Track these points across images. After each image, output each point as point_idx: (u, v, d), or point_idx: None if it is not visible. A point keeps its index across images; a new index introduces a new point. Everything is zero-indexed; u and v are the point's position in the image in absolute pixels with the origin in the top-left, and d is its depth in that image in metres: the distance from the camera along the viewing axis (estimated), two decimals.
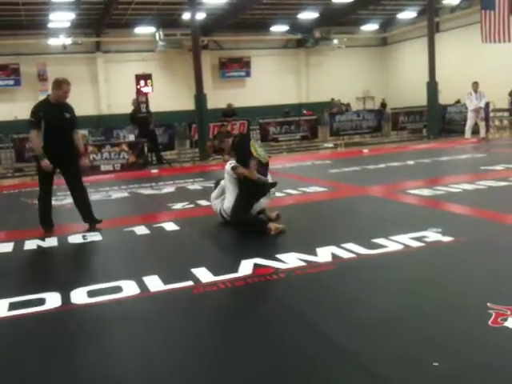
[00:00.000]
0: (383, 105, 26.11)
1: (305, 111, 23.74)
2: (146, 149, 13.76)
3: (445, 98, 19.38)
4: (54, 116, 6.04)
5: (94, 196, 8.95)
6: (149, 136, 13.88)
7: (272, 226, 5.49)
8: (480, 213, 5.92)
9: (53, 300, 3.82)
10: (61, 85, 6.03)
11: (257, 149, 5.85)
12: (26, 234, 6.14)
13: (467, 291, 3.60)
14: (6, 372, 2.87)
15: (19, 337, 3.32)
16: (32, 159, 6.19)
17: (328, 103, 25.13)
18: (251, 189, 5.76)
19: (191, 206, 7.36)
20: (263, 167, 5.91)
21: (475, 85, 15.41)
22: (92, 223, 6.35)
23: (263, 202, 5.94)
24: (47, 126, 5.99)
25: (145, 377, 2.72)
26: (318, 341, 2.99)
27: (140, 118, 13.98)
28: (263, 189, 5.86)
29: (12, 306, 3.75)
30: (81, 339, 3.23)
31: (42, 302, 3.80)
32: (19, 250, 5.50)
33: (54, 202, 8.46)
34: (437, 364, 2.60)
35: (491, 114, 17.78)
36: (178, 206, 7.46)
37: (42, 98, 24.09)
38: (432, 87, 17.36)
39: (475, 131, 15.67)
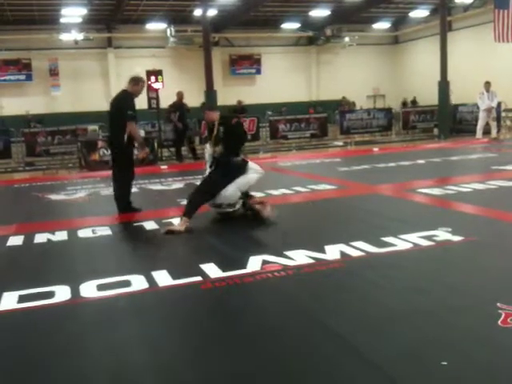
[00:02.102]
0: (404, 104, 25.39)
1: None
2: (155, 145, 13.81)
3: (456, 97, 19.25)
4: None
5: (104, 191, 9.01)
6: (184, 128, 13.96)
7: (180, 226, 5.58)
8: (491, 213, 5.88)
9: (62, 293, 3.84)
10: (138, 82, 6.77)
11: None
12: (37, 228, 6.18)
13: (477, 291, 3.58)
14: (14, 363, 2.89)
15: (28, 329, 3.34)
16: (122, 147, 6.57)
17: (337, 102, 25.04)
18: (225, 166, 5.98)
19: None
20: None
21: (487, 84, 15.32)
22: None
23: (253, 177, 6.06)
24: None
25: (152, 370, 2.73)
26: (326, 337, 2.98)
27: (182, 109, 14.02)
28: (238, 165, 6.06)
29: (22, 299, 3.78)
30: (89, 332, 3.25)
31: (51, 294, 3.83)
32: (29, 243, 5.54)
33: (64, 197, 8.57)
34: (445, 363, 2.59)
35: (503, 114, 17.66)
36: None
37: (53, 93, 24.27)
38: (443, 86, 17.25)
39: (486, 131, 15.57)
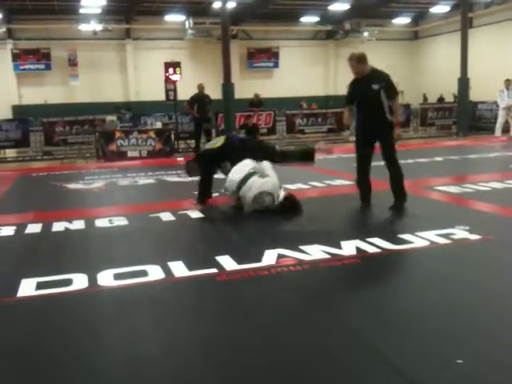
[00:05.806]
0: (440, 99, 24.75)
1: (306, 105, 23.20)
2: (172, 136, 13.86)
3: (476, 94, 19.05)
4: (360, 89, 6.48)
5: (121, 181, 9.08)
6: (204, 122, 14.00)
7: None
8: (509, 212, 5.82)
9: (80, 281, 3.88)
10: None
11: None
12: (55, 216, 6.25)
13: (494, 290, 3.55)
14: (29, 349, 2.93)
15: (46, 315, 3.38)
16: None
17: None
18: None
19: (216, 194, 7.38)
20: None
21: (507, 82, 15.13)
22: (397, 201, 6.04)
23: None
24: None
25: (167, 359, 2.75)
26: (340, 334, 2.98)
27: (200, 103, 14.06)
28: None
29: (39, 286, 3.82)
30: (106, 320, 3.29)
31: (69, 282, 3.87)
32: (47, 231, 5.60)
33: (82, 186, 8.66)
34: (461, 361, 2.58)
35: None
36: None
37: (72, 83, 24.57)
38: (463, 83, 17.06)
39: (506, 129, 15.38)
